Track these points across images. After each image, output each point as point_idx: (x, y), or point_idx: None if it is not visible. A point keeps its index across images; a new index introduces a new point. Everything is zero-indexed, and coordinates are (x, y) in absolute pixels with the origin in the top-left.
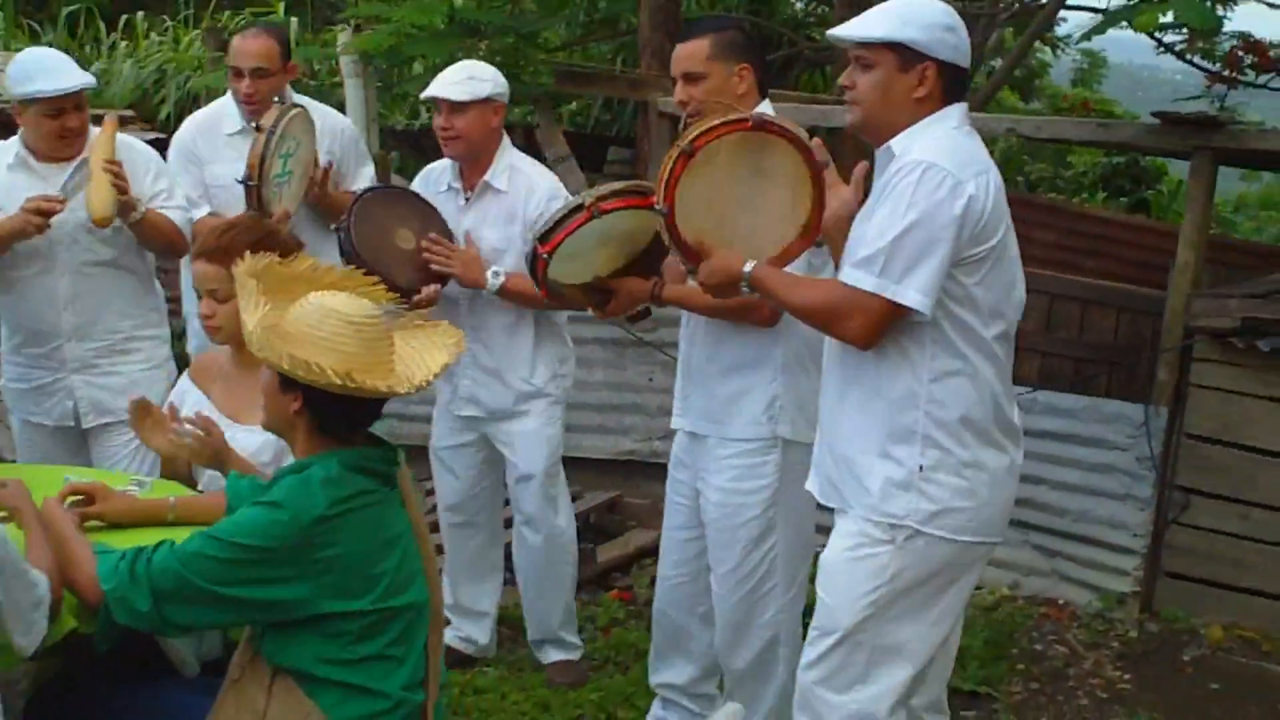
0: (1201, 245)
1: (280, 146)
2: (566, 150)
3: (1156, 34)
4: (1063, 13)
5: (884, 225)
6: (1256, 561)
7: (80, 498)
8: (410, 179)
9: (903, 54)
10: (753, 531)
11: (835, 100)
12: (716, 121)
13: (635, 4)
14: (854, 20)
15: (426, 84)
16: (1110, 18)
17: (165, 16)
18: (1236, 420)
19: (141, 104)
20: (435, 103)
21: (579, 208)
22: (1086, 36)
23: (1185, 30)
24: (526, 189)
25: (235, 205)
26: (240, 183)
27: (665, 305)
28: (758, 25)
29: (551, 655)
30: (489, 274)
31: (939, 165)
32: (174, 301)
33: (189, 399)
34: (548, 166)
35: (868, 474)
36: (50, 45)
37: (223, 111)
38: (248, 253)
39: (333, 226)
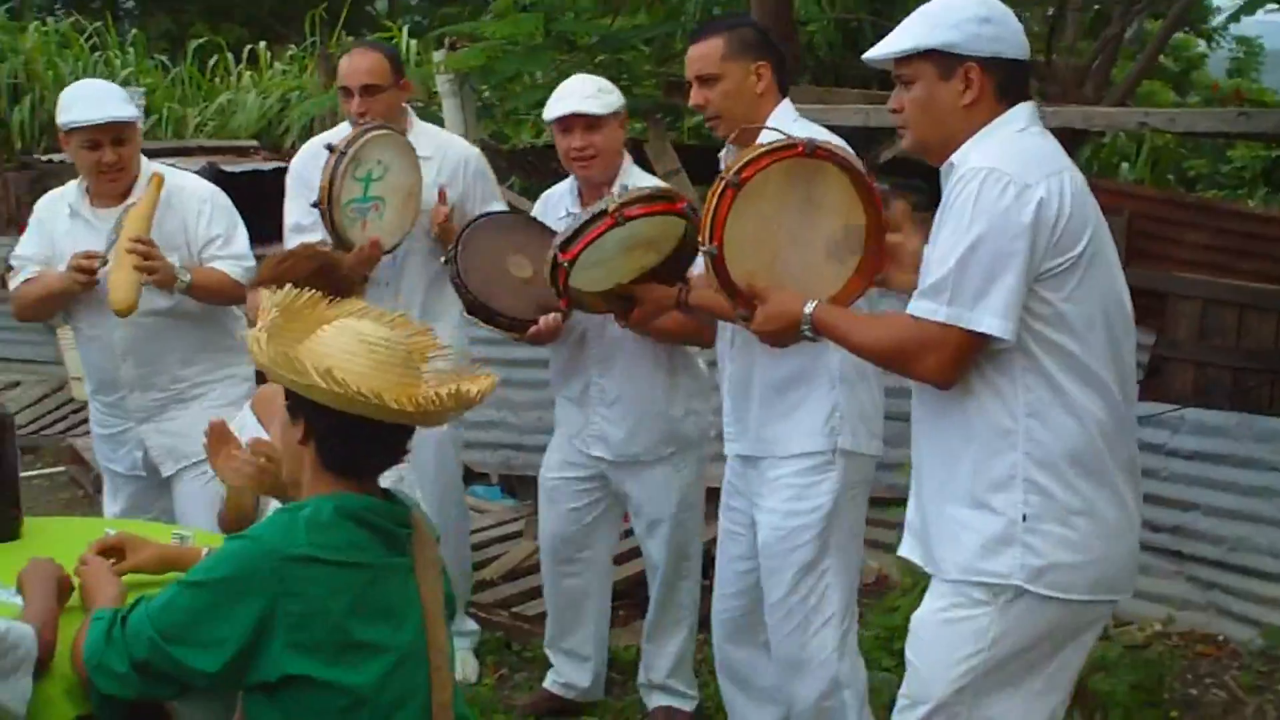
0: None
1: (355, 169)
2: (677, 164)
3: None
4: (1218, 1)
5: (948, 246)
6: None
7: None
8: (533, 200)
9: (939, 61)
10: (805, 556)
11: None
12: (763, 150)
13: (746, 8)
14: (886, 38)
15: (536, 100)
16: None
17: (292, 45)
18: None
19: (266, 133)
20: (560, 122)
21: (602, 214)
22: (1234, 18)
23: None
24: None
25: None
26: (313, 206)
27: (693, 312)
28: (878, 25)
29: (657, 701)
30: None
31: (999, 170)
32: None
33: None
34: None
35: (962, 529)
36: (179, 79)
37: (337, 135)
38: (288, 285)
39: (442, 259)
